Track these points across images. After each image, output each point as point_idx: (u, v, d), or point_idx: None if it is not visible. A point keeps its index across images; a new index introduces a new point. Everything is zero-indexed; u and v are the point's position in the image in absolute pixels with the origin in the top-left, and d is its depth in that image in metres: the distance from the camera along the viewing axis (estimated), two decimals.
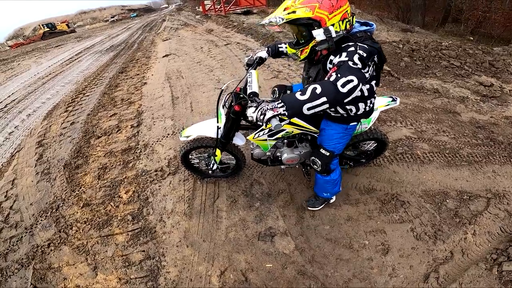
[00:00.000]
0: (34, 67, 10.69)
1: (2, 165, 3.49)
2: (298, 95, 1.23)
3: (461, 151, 2.64)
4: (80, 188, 2.74)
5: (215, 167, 2.19)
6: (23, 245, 2.25)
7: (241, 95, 1.57)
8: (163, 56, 7.63)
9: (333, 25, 1.30)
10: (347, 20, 1.33)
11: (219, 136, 1.88)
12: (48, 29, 34.92)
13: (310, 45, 1.40)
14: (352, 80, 1.21)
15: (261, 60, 1.98)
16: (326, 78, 1.28)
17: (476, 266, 1.71)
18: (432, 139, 2.83)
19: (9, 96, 6.80)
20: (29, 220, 2.47)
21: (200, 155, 2.33)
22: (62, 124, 4.25)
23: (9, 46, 34.09)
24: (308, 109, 1.22)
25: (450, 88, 3.92)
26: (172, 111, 4.00)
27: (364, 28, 1.42)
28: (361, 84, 1.24)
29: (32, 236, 2.31)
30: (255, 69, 1.84)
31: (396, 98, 2.07)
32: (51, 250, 2.16)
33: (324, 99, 1.20)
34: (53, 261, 2.07)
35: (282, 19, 1.30)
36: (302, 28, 1.37)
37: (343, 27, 1.33)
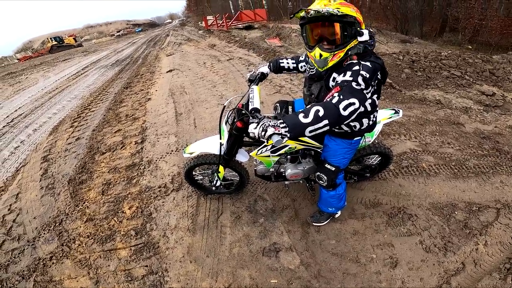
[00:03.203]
0: (41, 81, 10.96)
1: (7, 179, 3.53)
2: (301, 117, 1.21)
3: (467, 163, 2.62)
4: (84, 203, 2.75)
5: (218, 183, 2.19)
6: (25, 257, 2.26)
7: (243, 111, 1.58)
8: (167, 72, 7.79)
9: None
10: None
11: (222, 153, 1.89)
12: (56, 43, 36.08)
13: (348, 47, 1.33)
14: (353, 103, 1.21)
15: (263, 76, 2.00)
16: (328, 98, 1.27)
17: (490, 276, 1.68)
18: (437, 151, 2.81)
19: (16, 110, 6.96)
20: (31, 233, 2.49)
21: (203, 171, 2.33)
22: (67, 139, 4.32)
23: (17, 59, 35.08)
24: (310, 131, 1.21)
25: (452, 99, 3.93)
26: (175, 128, 4.05)
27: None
28: (362, 107, 1.24)
29: (34, 249, 2.32)
30: (257, 84, 1.86)
31: (399, 110, 2.08)
32: (53, 263, 2.16)
33: (326, 121, 1.19)
34: (55, 274, 2.07)
35: (333, 11, 1.20)
36: (343, 27, 1.28)
37: None
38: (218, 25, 16.95)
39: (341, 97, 1.22)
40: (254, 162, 2.14)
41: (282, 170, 2.06)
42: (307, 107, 1.27)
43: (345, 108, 1.20)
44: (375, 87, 1.41)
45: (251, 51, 8.62)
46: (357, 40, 1.32)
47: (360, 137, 1.70)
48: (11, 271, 2.16)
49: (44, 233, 2.45)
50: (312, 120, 1.19)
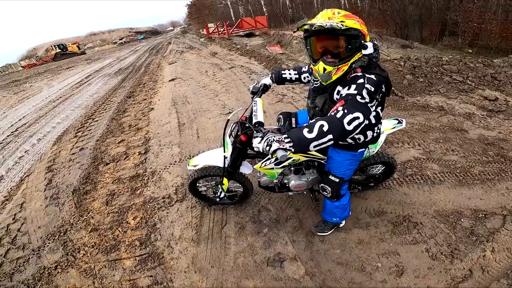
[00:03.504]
0: (45, 89, 11.06)
1: (11, 188, 3.56)
2: (305, 132, 1.21)
3: (472, 170, 2.61)
4: (88, 213, 2.76)
5: (222, 195, 2.21)
6: (30, 266, 2.28)
7: (247, 125, 1.58)
8: (169, 80, 7.84)
9: None
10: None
11: (226, 166, 1.90)
12: (59, 50, 36.42)
13: (352, 60, 1.32)
14: (358, 117, 1.21)
15: (266, 88, 2.02)
16: (332, 112, 1.27)
17: (498, 283, 1.68)
18: (441, 159, 2.81)
19: (20, 119, 7.01)
20: (36, 243, 2.50)
21: (207, 183, 2.34)
22: (71, 149, 4.34)
23: (22, 67, 35.49)
24: (315, 146, 1.22)
25: (455, 105, 3.92)
26: (178, 138, 4.06)
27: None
28: (366, 120, 1.25)
29: (39, 258, 2.34)
30: (260, 96, 1.88)
31: (402, 120, 2.08)
32: (58, 272, 2.17)
33: (330, 136, 1.20)
34: (60, 283, 2.08)
35: (337, 25, 1.20)
36: (347, 40, 1.28)
37: None
38: (219, 32, 17.15)
39: (346, 111, 1.22)
40: (258, 174, 2.14)
41: (286, 181, 2.06)
42: (311, 121, 1.27)
43: (349, 123, 1.21)
44: (379, 100, 1.41)
45: (253, 59, 8.69)
46: (361, 53, 1.32)
47: (364, 149, 1.69)
48: (16, 279, 2.18)
49: (49, 243, 2.47)
50: (317, 135, 1.19)
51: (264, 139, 1.26)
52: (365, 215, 2.24)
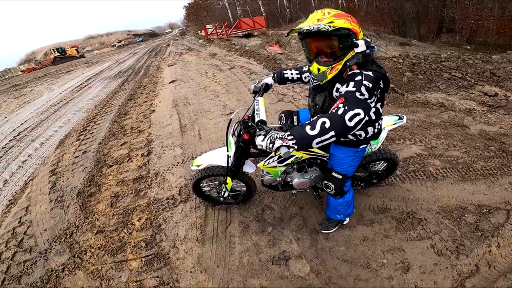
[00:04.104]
0: (46, 93, 11.09)
1: (16, 192, 3.58)
2: (308, 129, 1.23)
3: (475, 165, 2.62)
4: (94, 215, 2.78)
5: (226, 194, 2.22)
6: (38, 269, 2.30)
7: (250, 123, 1.59)
8: (170, 82, 7.85)
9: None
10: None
11: (229, 165, 1.91)
12: (58, 54, 36.30)
13: (345, 59, 1.35)
14: (359, 114, 1.23)
15: (267, 87, 2.03)
16: (333, 109, 1.29)
17: (505, 278, 1.68)
18: (443, 154, 2.82)
19: (22, 123, 7.03)
20: (43, 245, 2.52)
21: (211, 183, 2.36)
22: (74, 153, 4.36)
23: (21, 71, 35.43)
24: (317, 143, 1.23)
25: (455, 101, 3.94)
26: (180, 139, 4.08)
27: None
28: (366, 116, 1.27)
29: (46, 260, 2.35)
30: (261, 96, 1.89)
31: (403, 116, 2.10)
32: (65, 274, 2.19)
33: (332, 133, 1.22)
34: (68, 285, 2.10)
35: (325, 27, 1.23)
36: (338, 40, 1.31)
37: None
38: (218, 33, 17.16)
39: (346, 108, 1.24)
40: (261, 173, 2.15)
41: (289, 179, 2.07)
42: (313, 119, 1.29)
43: (350, 119, 1.23)
44: (379, 96, 1.43)
45: (252, 59, 8.71)
46: (354, 51, 1.35)
47: (365, 145, 1.71)
48: (24, 282, 2.20)
49: (56, 245, 2.48)
50: (319, 132, 1.21)
51: (267, 136, 1.28)
52: (369, 212, 2.25)
